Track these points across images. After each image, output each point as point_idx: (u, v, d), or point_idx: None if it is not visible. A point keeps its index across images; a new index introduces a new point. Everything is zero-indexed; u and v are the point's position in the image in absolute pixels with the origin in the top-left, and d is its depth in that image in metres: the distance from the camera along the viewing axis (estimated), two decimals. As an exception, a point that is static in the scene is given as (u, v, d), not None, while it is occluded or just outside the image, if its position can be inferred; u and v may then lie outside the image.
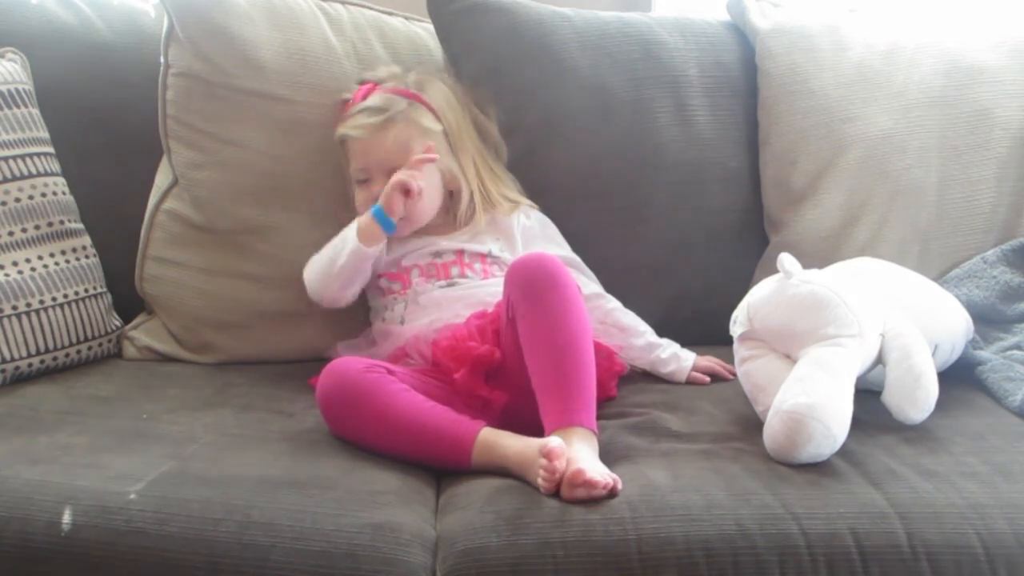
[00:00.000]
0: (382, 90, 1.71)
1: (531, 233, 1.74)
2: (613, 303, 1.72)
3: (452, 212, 1.72)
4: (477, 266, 1.66)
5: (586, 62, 1.82)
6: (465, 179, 1.72)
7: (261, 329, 1.76)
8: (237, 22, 1.75)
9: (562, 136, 1.80)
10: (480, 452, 1.33)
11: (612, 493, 1.22)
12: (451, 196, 1.73)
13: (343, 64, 1.81)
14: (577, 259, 1.75)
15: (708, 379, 1.67)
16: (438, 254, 1.67)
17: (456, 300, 1.60)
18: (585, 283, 1.71)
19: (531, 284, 1.43)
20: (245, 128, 1.75)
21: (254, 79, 1.74)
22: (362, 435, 1.39)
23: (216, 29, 1.74)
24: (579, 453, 1.26)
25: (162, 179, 1.81)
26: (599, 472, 1.22)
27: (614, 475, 1.24)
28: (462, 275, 1.65)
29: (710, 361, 1.69)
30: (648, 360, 1.68)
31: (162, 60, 1.77)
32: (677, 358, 1.68)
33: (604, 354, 1.55)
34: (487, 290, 1.61)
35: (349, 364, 1.43)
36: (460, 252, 1.67)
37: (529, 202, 1.78)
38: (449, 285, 1.64)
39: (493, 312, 1.52)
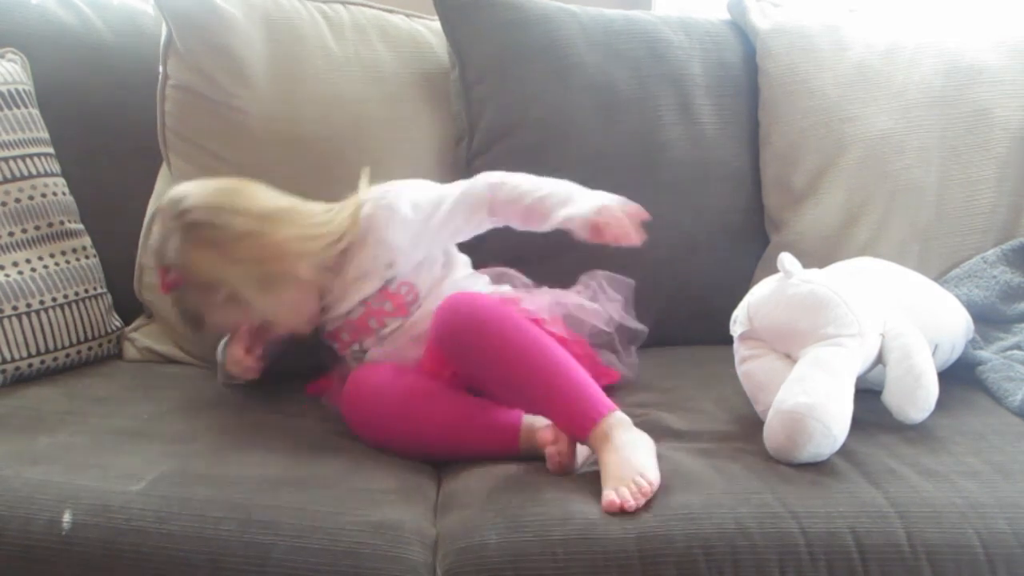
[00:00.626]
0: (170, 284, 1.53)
1: (394, 220, 1.55)
2: (497, 178, 1.58)
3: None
4: (388, 306, 1.55)
5: (592, 58, 1.82)
6: (309, 274, 1.53)
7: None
8: (235, 38, 1.74)
9: (567, 132, 1.80)
10: (525, 437, 1.35)
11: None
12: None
13: (344, 71, 1.80)
14: (454, 188, 1.60)
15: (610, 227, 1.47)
16: (350, 312, 1.56)
17: (396, 351, 1.53)
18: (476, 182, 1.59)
19: (459, 342, 1.38)
20: (244, 148, 1.74)
21: (253, 98, 1.74)
22: (403, 437, 1.39)
23: (215, 46, 1.73)
24: (616, 455, 1.25)
25: (163, 186, 1.80)
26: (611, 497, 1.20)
27: (635, 484, 1.21)
28: (381, 325, 1.55)
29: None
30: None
31: (160, 69, 1.76)
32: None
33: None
34: (418, 327, 1.52)
35: (380, 373, 1.45)
36: (366, 302, 1.56)
37: (362, 200, 1.57)
38: (379, 340, 1.56)
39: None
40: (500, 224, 1.59)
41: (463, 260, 1.66)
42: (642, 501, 1.20)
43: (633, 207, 1.49)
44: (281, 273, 1.50)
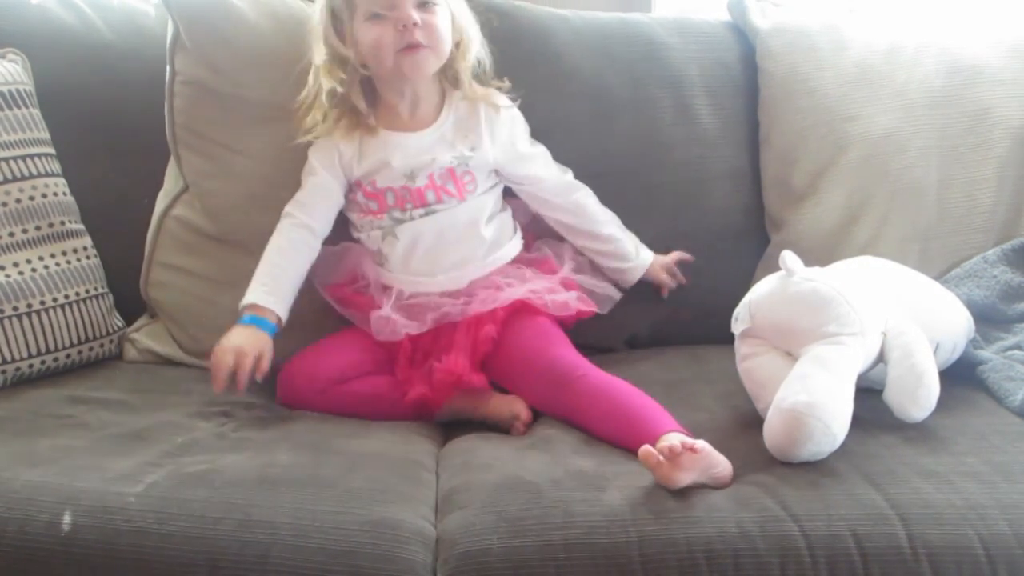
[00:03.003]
0: None
1: (515, 126, 1.73)
2: (585, 197, 1.77)
3: (437, 86, 1.70)
4: (451, 187, 1.66)
5: (587, 64, 1.82)
6: (473, 26, 1.68)
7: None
8: (244, 31, 1.74)
9: (565, 138, 1.79)
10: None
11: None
12: (456, 47, 1.66)
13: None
14: (545, 153, 1.76)
15: (670, 281, 1.80)
16: (411, 176, 1.65)
17: (437, 234, 1.65)
18: (560, 172, 1.77)
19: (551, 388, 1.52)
20: (255, 138, 1.74)
21: (263, 89, 1.74)
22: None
23: (223, 39, 1.73)
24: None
25: (171, 184, 1.80)
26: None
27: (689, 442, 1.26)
28: (439, 200, 1.65)
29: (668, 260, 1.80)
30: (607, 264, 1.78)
31: (168, 67, 1.76)
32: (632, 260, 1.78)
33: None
34: (466, 215, 1.66)
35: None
36: (431, 176, 1.65)
37: (496, 89, 1.72)
38: (427, 213, 1.64)
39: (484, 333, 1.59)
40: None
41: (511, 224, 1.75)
42: (666, 457, 1.23)
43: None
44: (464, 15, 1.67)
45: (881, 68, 1.86)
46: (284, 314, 1.60)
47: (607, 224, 1.76)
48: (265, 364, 1.54)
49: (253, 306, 1.58)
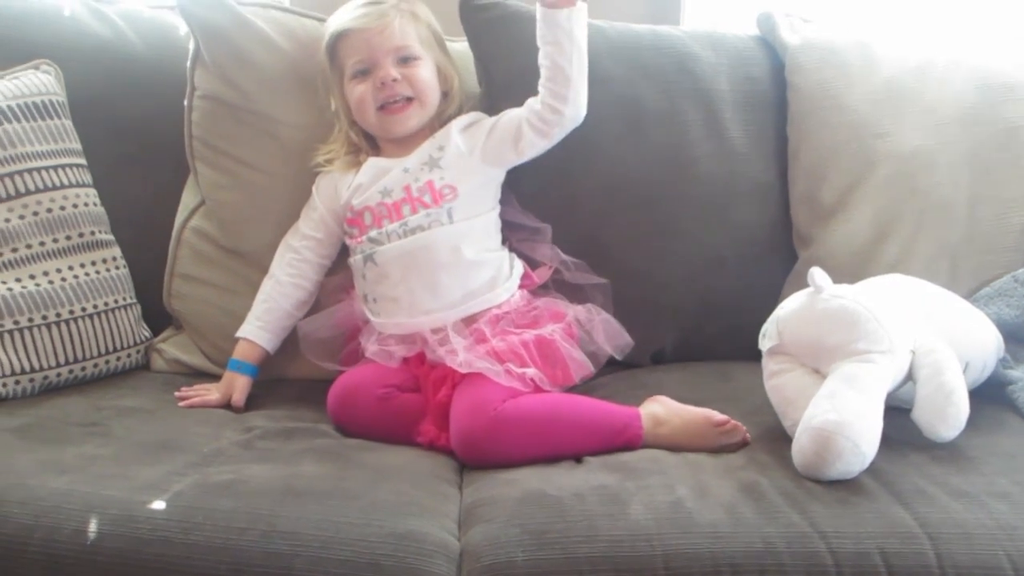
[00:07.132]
0: None
1: (462, 123, 1.74)
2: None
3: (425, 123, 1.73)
4: (427, 197, 1.65)
5: (620, 73, 1.81)
6: (457, 76, 1.77)
7: (287, 351, 1.74)
8: (262, 49, 1.76)
9: (595, 147, 1.78)
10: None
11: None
12: (444, 96, 1.75)
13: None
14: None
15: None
16: (387, 192, 1.66)
17: (412, 255, 1.62)
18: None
19: (486, 454, 1.44)
20: (269, 154, 1.77)
21: (278, 106, 1.76)
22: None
23: (241, 55, 1.75)
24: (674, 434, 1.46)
25: (189, 197, 1.83)
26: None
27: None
28: (413, 211, 1.64)
29: None
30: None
31: (188, 82, 1.78)
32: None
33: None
34: (444, 238, 1.63)
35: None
36: (408, 187, 1.65)
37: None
38: (404, 230, 1.63)
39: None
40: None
41: (497, 231, 1.74)
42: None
43: None
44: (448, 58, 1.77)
45: (911, 85, 1.85)
46: (275, 346, 1.72)
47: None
48: (238, 400, 1.65)
49: (244, 342, 1.70)
